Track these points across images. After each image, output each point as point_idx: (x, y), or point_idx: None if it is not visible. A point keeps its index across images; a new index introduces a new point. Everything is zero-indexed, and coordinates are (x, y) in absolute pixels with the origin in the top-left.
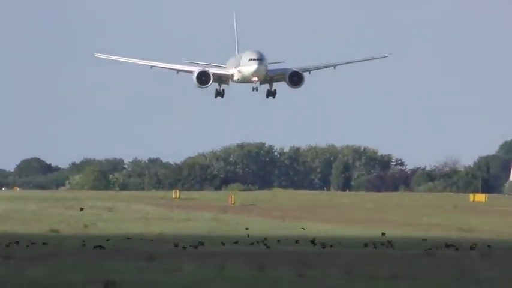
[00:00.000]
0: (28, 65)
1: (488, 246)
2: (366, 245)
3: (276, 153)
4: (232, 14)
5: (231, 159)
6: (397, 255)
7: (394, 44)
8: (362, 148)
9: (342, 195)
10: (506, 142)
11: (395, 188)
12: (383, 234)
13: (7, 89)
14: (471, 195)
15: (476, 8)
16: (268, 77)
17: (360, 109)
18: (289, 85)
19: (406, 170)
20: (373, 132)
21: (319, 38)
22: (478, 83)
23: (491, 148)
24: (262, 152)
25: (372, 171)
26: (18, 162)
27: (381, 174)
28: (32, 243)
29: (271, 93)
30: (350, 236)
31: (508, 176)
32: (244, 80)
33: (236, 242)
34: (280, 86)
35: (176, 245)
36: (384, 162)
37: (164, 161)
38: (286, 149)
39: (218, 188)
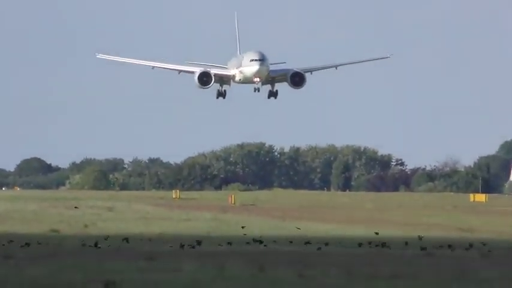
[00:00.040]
0: (28, 65)
1: (483, 244)
2: (360, 244)
3: (276, 153)
4: (234, 15)
5: (231, 159)
6: (397, 255)
7: (394, 44)
8: (362, 148)
9: (342, 195)
10: (506, 142)
11: (395, 188)
12: (376, 233)
13: (7, 89)
14: (471, 195)
15: (476, 9)
16: (270, 78)
17: (360, 109)
18: (291, 86)
19: (406, 170)
20: (373, 132)
21: (321, 38)
22: (478, 83)
23: (491, 148)
24: (262, 152)
25: (372, 171)
26: (18, 162)
27: (381, 174)
28: (27, 243)
29: (273, 94)
30: (346, 236)
31: (508, 176)
32: (246, 80)
33: (229, 243)
34: (282, 87)
35: (171, 247)
36: (384, 162)
37: (164, 160)
38: (287, 149)
39: (218, 188)
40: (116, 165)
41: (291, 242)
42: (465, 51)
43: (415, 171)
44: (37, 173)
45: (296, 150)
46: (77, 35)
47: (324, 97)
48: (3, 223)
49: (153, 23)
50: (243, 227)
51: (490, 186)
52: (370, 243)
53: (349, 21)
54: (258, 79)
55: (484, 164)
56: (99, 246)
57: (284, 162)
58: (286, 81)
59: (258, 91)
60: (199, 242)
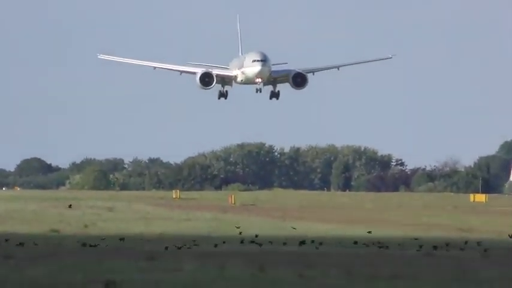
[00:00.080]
0: (29, 65)
1: (478, 244)
2: (355, 242)
3: (276, 153)
4: (236, 16)
5: (231, 159)
6: (397, 255)
7: (394, 45)
8: (362, 148)
9: (342, 195)
10: (506, 142)
11: (395, 188)
12: (369, 232)
13: (7, 89)
14: (471, 196)
15: (475, 9)
16: (272, 78)
17: (360, 109)
18: (292, 86)
19: (406, 170)
20: (373, 132)
21: (323, 39)
22: (478, 83)
23: (491, 148)
24: (262, 152)
25: (372, 171)
26: (18, 162)
27: (381, 174)
28: (21, 243)
29: (274, 95)
30: (342, 236)
31: (508, 176)
32: (248, 81)
33: (224, 242)
34: (283, 87)
35: (167, 248)
36: (384, 163)
37: (164, 160)
38: (287, 149)
39: (218, 188)
40: (116, 165)
41: (285, 243)
42: (465, 52)
43: (415, 171)
44: (37, 173)
45: (296, 150)
46: (78, 35)
47: (323, 97)
48: (4, 223)
49: (154, 24)
50: (237, 227)
51: (490, 187)
52: (365, 244)
53: (350, 21)
54: (259, 80)
55: (484, 164)
56: (96, 244)
57: (284, 162)
58: (288, 82)
59: (260, 92)
60: (196, 244)
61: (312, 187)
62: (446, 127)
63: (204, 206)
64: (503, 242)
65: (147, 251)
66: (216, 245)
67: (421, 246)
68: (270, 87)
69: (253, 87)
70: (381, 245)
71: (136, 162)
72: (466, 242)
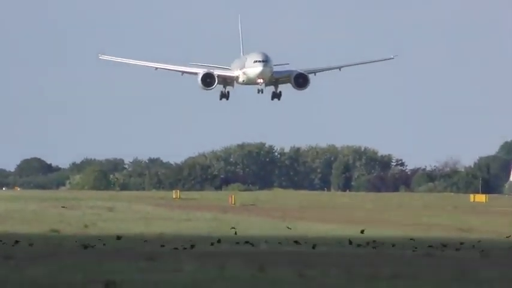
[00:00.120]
0: (29, 65)
1: (473, 246)
2: (350, 243)
3: (276, 154)
4: (237, 16)
5: (231, 159)
6: (397, 255)
7: (394, 45)
8: (362, 148)
9: (342, 195)
10: (506, 142)
11: (395, 189)
12: (362, 232)
13: (8, 89)
14: (471, 196)
15: (475, 9)
16: (274, 79)
17: (360, 109)
18: (294, 87)
19: (407, 171)
20: (373, 133)
21: (324, 39)
22: (478, 84)
23: (491, 148)
24: (262, 152)
25: (372, 171)
26: (18, 162)
27: (381, 174)
28: (16, 241)
29: (276, 95)
30: (337, 236)
31: (508, 177)
32: (250, 81)
33: (219, 241)
34: (284, 88)
35: (163, 246)
36: (384, 163)
37: (164, 161)
38: (287, 149)
39: (218, 188)
40: (116, 165)
41: (280, 242)
42: (465, 52)
43: (415, 171)
44: (37, 173)
45: (296, 151)
46: (78, 35)
47: (323, 97)
48: (4, 223)
49: (156, 24)
50: (232, 228)
51: (490, 187)
52: (359, 244)
53: (352, 22)
54: (261, 80)
55: (484, 164)
56: (93, 245)
57: (284, 162)
58: (289, 82)
59: (262, 92)
60: (192, 245)
61: (312, 187)
62: (446, 127)
63: (204, 206)
64: (503, 243)
65: (147, 251)
66: (212, 244)
67: (416, 248)
68: (271, 88)
69: (255, 87)
70: (375, 244)
71: (136, 163)
72: (461, 243)
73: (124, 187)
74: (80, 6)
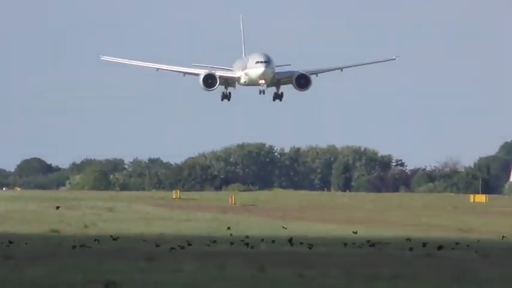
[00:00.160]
0: (29, 65)
1: (467, 246)
2: (345, 245)
3: (276, 154)
4: (239, 17)
5: (231, 159)
6: (397, 256)
7: (394, 46)
8: (362, 148)
9: (342, 195)
10: (506, 143)
11: (395, 189)
12: (354, 232)
13: (8, 89)
14: (471, 196)
15: (475, 9)
16: (275, 80)
17: (360, 110)
18: (296, 88)
19: (407, 171)
20: (373, 133)
21: (326, 40)
22: (478, 84)
23: (491, 149)
24: (262, 152)
25: (372, 171)
26: (18, 162)
27: (381, 174)
28: (10, 242)
29: (278, 96)
30: (332, 236)
31: (508, 177)
32: (251, 82)
33: (214, 241)
34: (285, 88)
35: (158, 245)
36: (384, 163)
37: (164, 161)
38: (287, 150)
39: (218, 188)
40: (116, 165)
41: (273, 241)
42: (465, 52)
43: (415, 171)
44: (37, 173)
45: (296, 151)
46: (78, 35)
47: (323, 98)
48: (4, 223)
49: (157, 25)
50: (228, 228)
51: (490, 187)
52: (354, 243)
53: (354, 23)
54: (263, 81)
55: (484, 164)
56: (88, 246)
57: (284, 162)
58: (291, 83)
59: (263, 93)
60: (189, 244)
61: (312, 187)
62: (446, 127)
63: (204, 206)
64: (503, 243)
65: (147, 251)
66: (208, 245)
67: (411, 248)
68: (273, 89)
69: (256, 88)
70: (371, 244)
71: (136, 163)
72: (457, 243)
73: (124, 187)
74: (81, 7)
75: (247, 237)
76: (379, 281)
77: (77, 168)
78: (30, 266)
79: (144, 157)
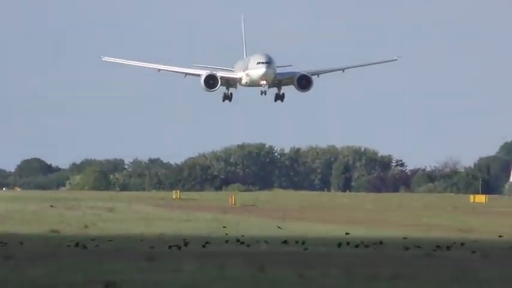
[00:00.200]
0: (29, 66)
1: (462, 244)
2: (339, 245)
3: (276, 154)
4: (240, 17)
5: (231, 159)
6: (397, 256)
7: (394, 46)
8: (362, 149)
9: (342, 195)
10: (506, 143)
11: (395, 189)
12: (347, 233)
13: (8, 89)
14: (471, 196)
15: (475, 9)
16: (277, 81)
17: (360, 110)
18: (297, 89)
19: (407, 171)
20: (373, 133)
21: (328, 41)
22: (478, 84)
23: (491, 149)
24: (262, 152)
25: (372, 171)
26: (18, 162)
27: (381, 175)
28: (4, 243)
29: (279, 97)
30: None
31: (508, 177)
32: (253, 83)
33: (208, 242)
34: (286, 89)
35: (152, 247)
36: (384, 163)
37: (165, 161)
38: (287, 150)
39: (218, 188)
40: (116, 165)
41: (266, 241)
42: (465, 52)
43: (415, 172)
44: (37, 174)
45: (296, 151)
46: (79, 36)
47: (323, 98)
48: (4, 223)
49: (159, 26)
50: (224, 227)
51: (490, 187)
52: (341, 244)
53: (355, 24)
54: (264, 82)
55: (484, 165)
56: (85, 246)
57: (284, 162)
58: (293, 84)
59: (265, 94)
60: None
61: (312, 188)
62: (446, 128)
63: (205, 206)
64: (502, 243)
65: (147, 251)
66: (203, 246)
67: (407, 248)
68: (274, 90)
69: (258, 89)
70: (367, 244)
71: (136, 163)
72: (454, 243)
73: (124, 187)
74: (81, 7)
75: (242, 236)
76: (379, 281)
77: (77, 168)
78: (30, 266)
79: (144, 157)
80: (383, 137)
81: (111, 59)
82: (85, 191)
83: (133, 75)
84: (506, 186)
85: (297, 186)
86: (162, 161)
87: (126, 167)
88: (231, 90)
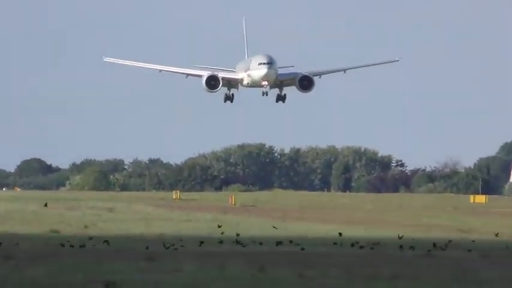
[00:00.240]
0: (29, 65)
1: (455, 244)
2: (335, 243)
3: (276, 154)
4: (242, 18)
5: (231, 160)
6: (397, 256)
7: (394, 46)
8: (362, 149)
9: (342, 196)
10: (506, 143)
11: (395, 189)
12: (340, 234)
13: (8, 89)
14: (471, 197)
15: (475, 10)
16: (278, 81)
17: (360, 110)
18: (299, 89)
19: (407, 171)
20: (373, 133)
21: (330, 42)
22: (478, 84)
23: (491, 149)
24: (262, 152)
25: (372, 172)
26: (18, 162)
27: (381, 175)
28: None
29: (281, 98)
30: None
31: (508, 177)
32: (254, 84)
33: (202, 242)
34: (289, 90)
35: (147, 248)
36: (384, 163)
37: (165, 161)
38: (287, 150)
39: (218, 188)
40: (116, 165)
41: (261, 243)
42: (465, 52)
43: (415, 172)
44: (37, 174)
45: (296, 151)
46: (79, 36)
47: (323, 98)
48: (4, 223)
49: (160, 27)
50: (219, 226)
51: (490, 188)
52: (342, 244)
53: (357, 24)
54: (266, 83)
55: (484, 165)
56: (81, 246)
57: (284, 163)
58: (294, 85)
59: (266, 95)
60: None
61: (312, 188)
62: (446, 128)
63: (205, 206)
64: (501, 243)
65: (147, 251)
66: (199, 245)
67: (401, 246)
68: (276, 90)
69: (259, 90)
70: (362, 244)
71: (136, 163)
72: (449, 241)
73: (124, 188)
74: (82, 7)
75: (238, 235)
76: (379, 281)
77: (77, 168)
78: (30, 266)
79: (144, 157)
80: (383, 137)
81: (112, 60)
82: (85, 191)
83: (133, 76)
84: (506, 186)
85: (297, 186)
86: (162, 161)
87: (126, 167)
88: (233, 91)
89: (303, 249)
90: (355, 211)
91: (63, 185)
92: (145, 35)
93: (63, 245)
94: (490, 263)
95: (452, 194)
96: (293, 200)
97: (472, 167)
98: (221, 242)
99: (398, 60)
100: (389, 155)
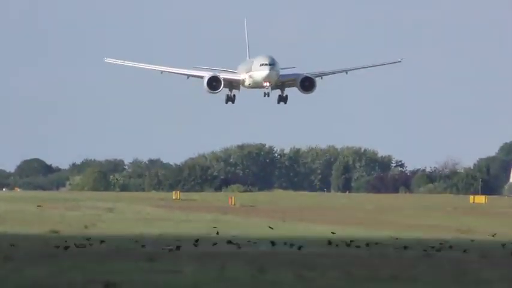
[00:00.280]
0: (29, 66)
1: (450, 247)
2: (329, 242)
3: (276, 154)
4: (244, 19)
5: (231, 160)
6: (397, 256)
7: (394, 47)
8: (362, 149)
9: (342, 196)
10: (506, 144)
11: (395, 190)
12: (333, 233)
13: (8, 89)
14: (471, 197)
15: (475, 10)
16: (280, 82)
17: (360, 110)
18: (300, 90)
19: (406, 172)
20: (373, 134)
21: (331, 43)
22: (478, 85)
23: (491, 149)
24: (262, 153)
25: (372, 172)
26: (18, 162)
27: (381, 175)
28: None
29: (282, 99)
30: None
31: (508, 178)
32: (256, 85)
33: (197, 240)
34: (291, 91)
35: (143, 246)
36: (384, 164)
37: (164, 161)
38: (287, 150)
39: (218, 189)
40: (116, 166)
41: (255, 242)
42: (465, 53)
43: (415, 172)
44: (37, 174)
45: (296, 152)
46: (80, 36)
47: (323, 99)
48: (4, 224)
49: (162, 28)
50: (214, 227)
51: (489, 188)
52: (337, 244)
53: (358, 25)
54: (267, 84)
55: (484, 165)
56: (79, 245)
57: (284, 163)
58: (296, 86)
59: (268, 96)
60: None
61: (312, 188)
62: (446, 128)
63: (204, 207)
64: (502, 243)
65: (148, 251)
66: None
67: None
68: (277, 91)
69: (260, 91)
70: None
71: (136, 163)
72: (449, 244)
73: (124, 188)
74: (83, 7)
75: (233, 237)
76: (378, 281)
77: (76, 168)
78: (30, 267)
79: (144, 158)
80: (383, 138)
81: (114, 61)
82: (85, 191)
83: (134, 76)
84: (506, 186)
85: (296, 186)
86: (161, 162)
87: (126, 167)
88: (234, 92)
89: (299, 248)
90: (355, 211)
91: (63, 185)
92: (146, 36)
93: (57, 247)
94: (490, 263)
95: (452, 195)
96: (293, 201)
97: (472, 167)
98: (215, 244)
99: (400, 61)
100: (389, 156)
